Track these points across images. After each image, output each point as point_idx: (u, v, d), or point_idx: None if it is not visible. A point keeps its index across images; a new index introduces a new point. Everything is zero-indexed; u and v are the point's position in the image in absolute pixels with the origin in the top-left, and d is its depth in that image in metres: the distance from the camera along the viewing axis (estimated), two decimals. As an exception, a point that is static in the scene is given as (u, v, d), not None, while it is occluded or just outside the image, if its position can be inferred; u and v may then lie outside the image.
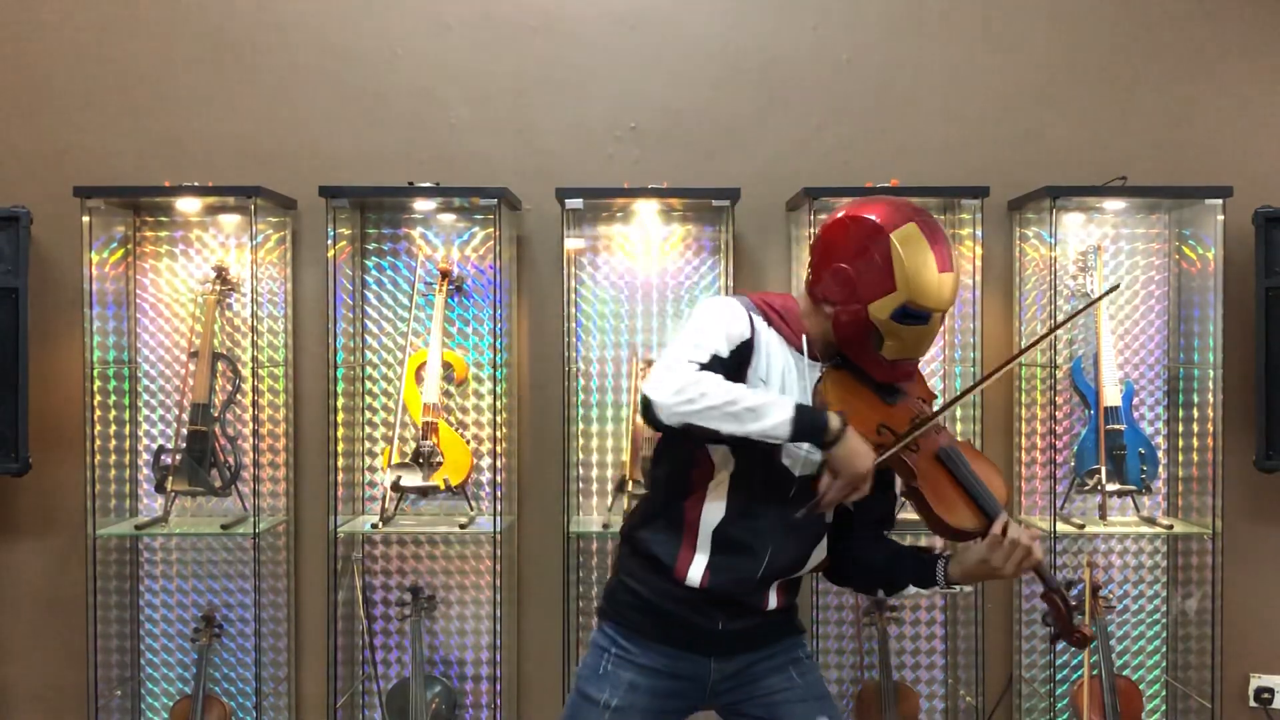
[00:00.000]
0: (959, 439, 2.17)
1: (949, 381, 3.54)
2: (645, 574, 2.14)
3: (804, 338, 2.11)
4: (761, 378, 2.05)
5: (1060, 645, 1.96)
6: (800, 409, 1.95)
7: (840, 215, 2.09)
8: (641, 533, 2.16)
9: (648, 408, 1.97)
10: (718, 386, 1.94)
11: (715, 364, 1.99)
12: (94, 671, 3.34)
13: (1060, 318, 3.41)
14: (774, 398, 1.97)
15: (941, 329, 3.50)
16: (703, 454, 2.09)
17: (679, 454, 2.12)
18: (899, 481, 2.14)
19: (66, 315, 3.48)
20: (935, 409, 2.15)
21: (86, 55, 3.58)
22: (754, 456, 2.04)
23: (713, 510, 2.09)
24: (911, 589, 2.15)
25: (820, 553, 2.18)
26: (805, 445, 2.03)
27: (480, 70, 3.59)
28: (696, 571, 2.09)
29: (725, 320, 2.05)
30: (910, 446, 2.04)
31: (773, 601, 2.16)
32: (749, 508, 2.08)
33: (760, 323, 2.08)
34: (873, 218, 2.03)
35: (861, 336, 2.04)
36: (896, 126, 3.59)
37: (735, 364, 2.03)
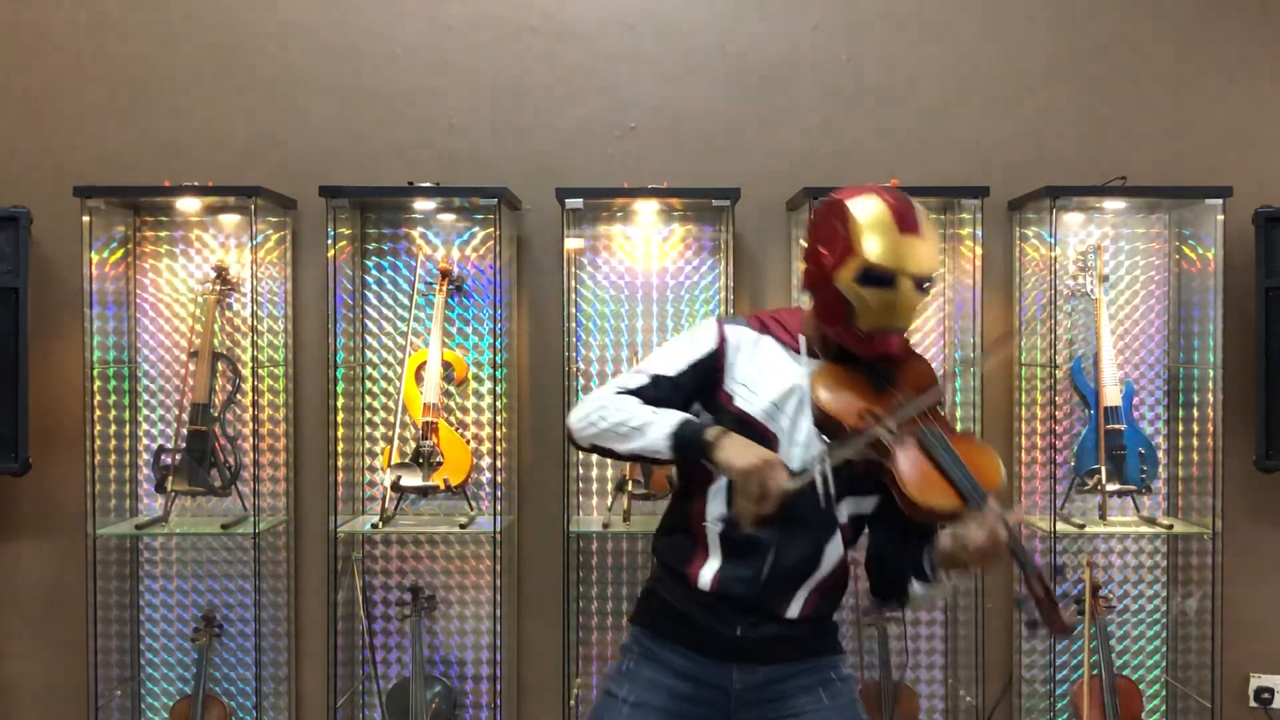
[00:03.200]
0: (958, 429, 2.12)
1: (948, 382, 3.54)
2: (667, 580, 2.16)
3: (800, 338, 2.14)
4: (742, 382, 2.09)
5: (1057, 642, 1.94)
6: (681, 424, 1.99)
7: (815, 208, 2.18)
8: (661, 541, 2.20)
9: (567, 434, 2.10)
10: (618, 409, 2.03)
11: (657, 384, 2.07)
12: (94, 671, 3.34)
13: (1060, 317, 3.41)
14: (662, 417, 2.01)
15: (934, 314, 3.53)
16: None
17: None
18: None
19: (66, 315, 3.48)
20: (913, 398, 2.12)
21: (86, 55, 3.58)
22: None
23: (716, 513, 2.08)
24: (917, 586, 2.08)
25: (835, 551, 2.11)
26: (801, 438, 2.06)
27: (480, 70, 3.59)
28: (708, 575, 2.09)
29: (686, 340, 2.14)
30: (892, 430, 2.03)
31: (794, 609, 2.10)
32: None
33: (742, 331, 2.12)
34: (835, 196, 2.09)
35: (835, 310, 2.04)
36: (896, 126, 3.59)
37: (697, 379, 2.09)
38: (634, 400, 2.05)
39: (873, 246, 2.00)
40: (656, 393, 2.06)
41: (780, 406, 2.08)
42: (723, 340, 2.11)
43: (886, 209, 2.02)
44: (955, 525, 1.96)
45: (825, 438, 2.08)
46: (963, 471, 2.01)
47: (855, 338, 2.05)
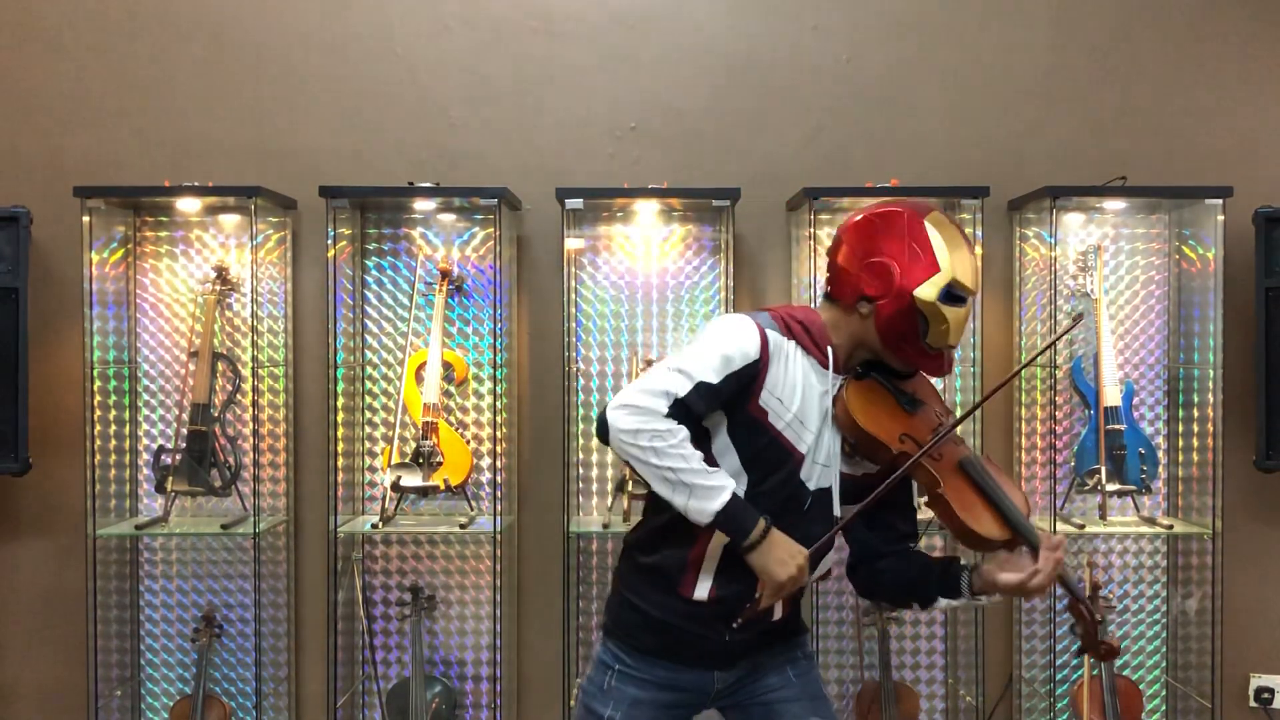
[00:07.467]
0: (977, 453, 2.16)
1: (949, 380, 3.54)
2: (651, 591, 2.13)
3: (829, 350, 2.07)
4: (778, 396, 2.01)
5: (1073, 648, 2.02)
6: (731, 504, 1.93)
7: (860, 218, 2.09)
8: (648, 549, 2.14)
9: (603, 426, 1.95)
10: (673, 448, 1.92)
11: (699, 392, 1.95)
12: (94, 671, 3.34)
13: (1060, 317, 3.41)
14: (717, 482, 1.94)
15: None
16: None
17: None
18: (917, 488, 2.13)
19: (66, 315, 3.48)
20: (954, 420, 2.13)
21: (86, 56, 3.58)
22: (769, 472, 2.03)
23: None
24: (942, 601, 2.09)
25: (831, 560, 2.19)
26: (822, 457, 2.06)
27: (480, 70, 3.59)
28: (704, 589, 2.08)
29: (730, 343, 1.99)
30: (933, 455, 2.02)
31: (779, 611, 2.15)
32: None
33: (778, 338, 2.03)
34: (899, 210, 2.07)
35: (909, 325, 2.02)
36: (896, 126, 3.59)
37: (735, 388, 1.99)
38: (689, 446, 1.94)
39: (961, 266, 2.02)
40: (697, 399, 1.95)
41: (804, 422, 2.04)
42: (765, 347, 2.00)
43: (960, 236, 2.05)
44: (1001, 553, 2.00)
45: (859, 458, 2.09)
46: (1008, 500, 2.02)
47: (921, 354, 2.05)
